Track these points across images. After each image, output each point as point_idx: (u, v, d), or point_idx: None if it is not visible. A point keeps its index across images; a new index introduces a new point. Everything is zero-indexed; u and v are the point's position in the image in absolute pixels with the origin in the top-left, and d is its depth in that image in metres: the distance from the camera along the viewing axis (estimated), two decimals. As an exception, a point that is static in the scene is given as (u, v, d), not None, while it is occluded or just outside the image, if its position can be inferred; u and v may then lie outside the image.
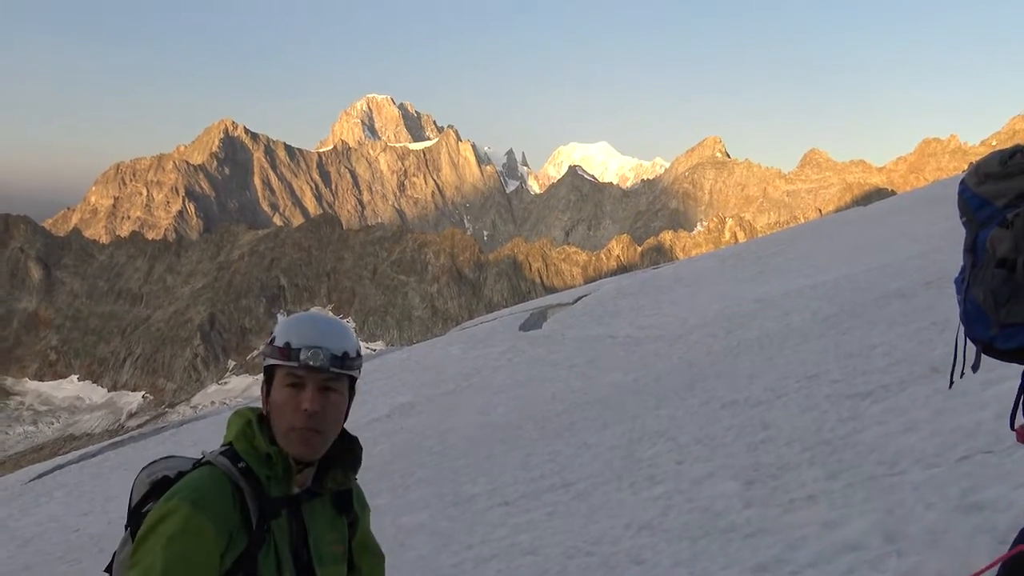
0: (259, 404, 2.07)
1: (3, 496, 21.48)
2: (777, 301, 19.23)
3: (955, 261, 2.14)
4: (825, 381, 8.30)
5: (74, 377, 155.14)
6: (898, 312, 11.35)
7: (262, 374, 2.06)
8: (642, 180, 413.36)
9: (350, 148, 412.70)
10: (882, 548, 3.82)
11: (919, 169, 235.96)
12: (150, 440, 26.96)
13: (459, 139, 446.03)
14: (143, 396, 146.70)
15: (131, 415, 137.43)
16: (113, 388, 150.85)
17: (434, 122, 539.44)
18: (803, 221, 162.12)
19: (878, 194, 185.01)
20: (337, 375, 1.98)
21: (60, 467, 24.97)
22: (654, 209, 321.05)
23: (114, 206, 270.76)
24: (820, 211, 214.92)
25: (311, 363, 1.93)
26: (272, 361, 1.98)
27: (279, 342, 1.97)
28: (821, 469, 5.48)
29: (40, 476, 23.88)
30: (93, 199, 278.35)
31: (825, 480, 5.22)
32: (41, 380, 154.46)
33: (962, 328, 2.12)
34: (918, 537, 3.79)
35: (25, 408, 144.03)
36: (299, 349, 1.94)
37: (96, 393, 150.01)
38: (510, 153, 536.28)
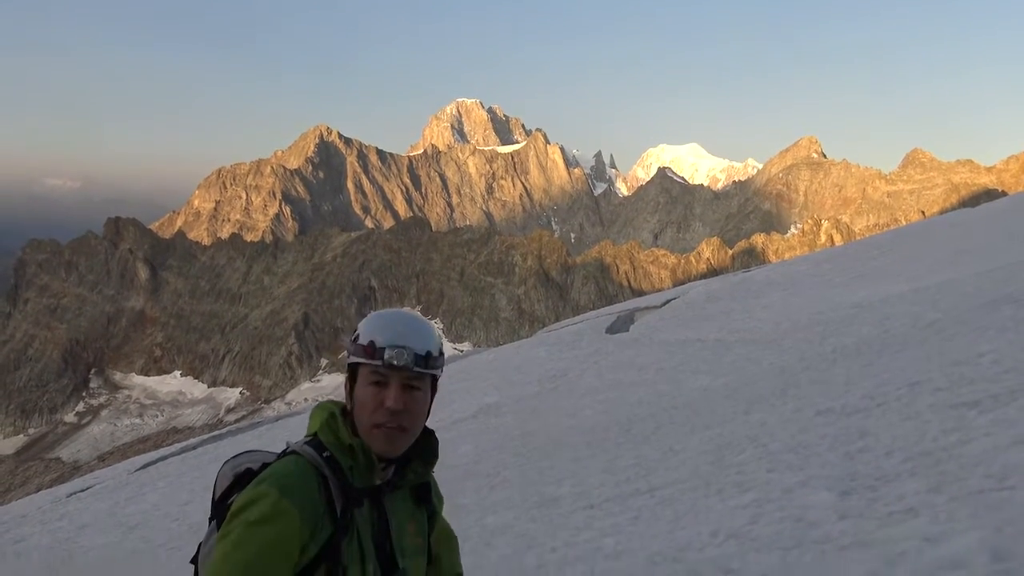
0: (340, 398, 2.11)
1: (112, 484, 22.57)
2: (876, 306, 18.48)
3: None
4: (928, 389, 7.91)
5: (177, 373, 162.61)
6: (1009, 318, 10.72)
7: (346, 369, 2.10)
8: (733, 182, 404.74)
9: (440, 152, 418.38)
10: (989, 567, 3.59)
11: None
12: (247, 434, 27.90)
13: (547, 142, 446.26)
14: (240, 392, 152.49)
15: (229, 410, 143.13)
16: (213, 384, 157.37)
17: (522, 125, 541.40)
18: (905, 223, 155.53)
19: (987, 195, 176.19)
20: (420, 374, 2.01)
21: (163, 458, 26.06)
22: (746, 211, 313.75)
23: (215, 209, 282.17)
24: (923, 213, 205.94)
25: (395, 363, 1.96)
26: (356, 359, 2.02)
27: (363, 340, 2.01)
28: (923, 481, 5.21)
29: (145, 466, 24.99)
30: (196, 203, 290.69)
31: (927, 493, 4.96)
32: (147, 375, 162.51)
33: None
34: (1031, 557, 3.55)
35: (132, 401, 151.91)
36: (383, 348, 1.97)
37: (197, 388, 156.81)
38: (598, 155, 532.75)
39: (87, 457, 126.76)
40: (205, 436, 32.49)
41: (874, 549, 4.37)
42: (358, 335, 2.04)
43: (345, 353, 2.07)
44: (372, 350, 1.98)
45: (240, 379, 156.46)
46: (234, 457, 2.15)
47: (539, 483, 10.10)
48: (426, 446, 2.12)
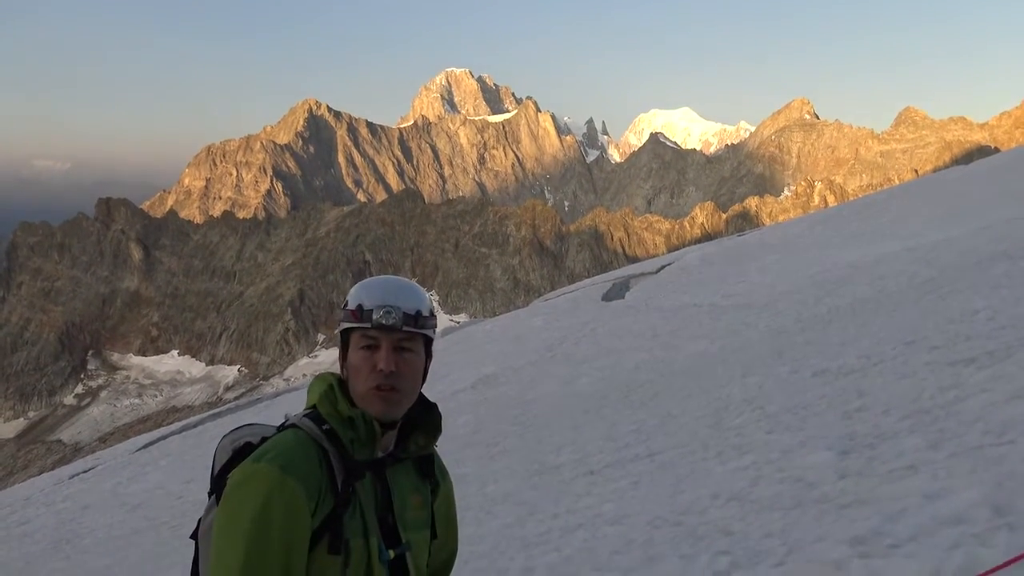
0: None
1: (114, 464, 22.67)
2: (870, 266, 18.51)
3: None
4: (924, 347, 7.93)
5: (174, 352, 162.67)
6: (1003, 275, 10.74)
7: (338, 339, 2.08)
8: (726, 145, 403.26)
9: (430, 123, 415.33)
10: (991, 521, 3.60)
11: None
12: (246, 411, 28.00)
13: (538, 110, 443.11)
14: (239, 369, 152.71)
15: (228, 388, 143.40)
16: (211, 362, 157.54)
17: (513, 94, 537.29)
18: (898, 183, 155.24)
19: (980, 152, 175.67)
20: (411, 334, 1.98)
21: (164, 437, 26.16)
22: (739, 175, 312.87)
23: (206, 187, 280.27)
24: (917, 172, 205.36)
25: (384, 322, 1.93)
26: (346, 325, 2.00)
27: (351, 305, 1.99)
28: (921, 438, 5.23)
29: (146, 446, 25.09)
30: (187, 181, 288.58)
31: (926, 450, 4.98)
32: (144, 355, 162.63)
33: None
34: (1032, 511, 3.56)
35: (131, 382, 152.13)
36: (371, 310, 1.95)
37: (195, 367, 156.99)
38: (590, 122, 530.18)
39: (88, 438, 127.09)
40: (205, 414, 32.61)
41: (875, 507, 4.39)
42: (347, 302, 2.02)
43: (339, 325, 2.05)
44: (360, 313, 1.95)
45: (238, 357, 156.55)
46: (233, 431, 2.11)
47: (539, 451, 10.14)
48: (428, 419, 2.10)
